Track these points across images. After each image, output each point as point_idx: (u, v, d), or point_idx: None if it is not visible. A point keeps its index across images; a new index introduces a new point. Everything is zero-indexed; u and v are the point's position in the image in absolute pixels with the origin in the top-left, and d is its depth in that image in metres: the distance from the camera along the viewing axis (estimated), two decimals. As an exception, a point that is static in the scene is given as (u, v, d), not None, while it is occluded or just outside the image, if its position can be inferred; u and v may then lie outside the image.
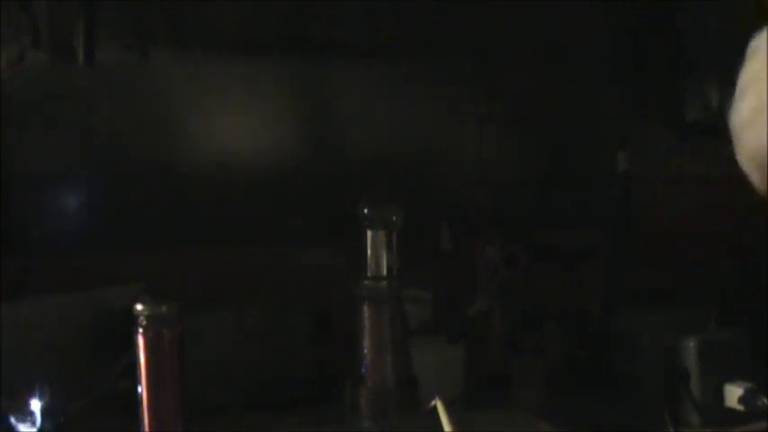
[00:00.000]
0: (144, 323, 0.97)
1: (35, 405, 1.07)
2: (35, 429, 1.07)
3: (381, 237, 1.14)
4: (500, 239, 1.52)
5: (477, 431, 1.10)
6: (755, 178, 0.72)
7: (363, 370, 1.13)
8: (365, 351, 1.13)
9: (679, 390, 1.23)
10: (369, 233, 1.14)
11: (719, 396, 1.22)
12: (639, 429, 1.23)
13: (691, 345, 1.23)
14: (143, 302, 0.98)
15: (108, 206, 1.50)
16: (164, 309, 0.97)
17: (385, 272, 1.14)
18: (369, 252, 1.14)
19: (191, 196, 1.54)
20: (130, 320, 0.98)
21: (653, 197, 1.81)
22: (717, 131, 1.81)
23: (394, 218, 1.13)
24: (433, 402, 0.98)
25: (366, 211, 1.14)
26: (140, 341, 0.97)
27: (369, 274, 1.14)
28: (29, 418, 1.07)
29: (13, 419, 1.07)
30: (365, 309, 1.13)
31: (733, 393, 1.21)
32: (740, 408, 1.20)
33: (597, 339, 1.42)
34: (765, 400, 1.18)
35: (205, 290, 1.39)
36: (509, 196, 1.72)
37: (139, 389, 0.97)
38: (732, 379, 1.22)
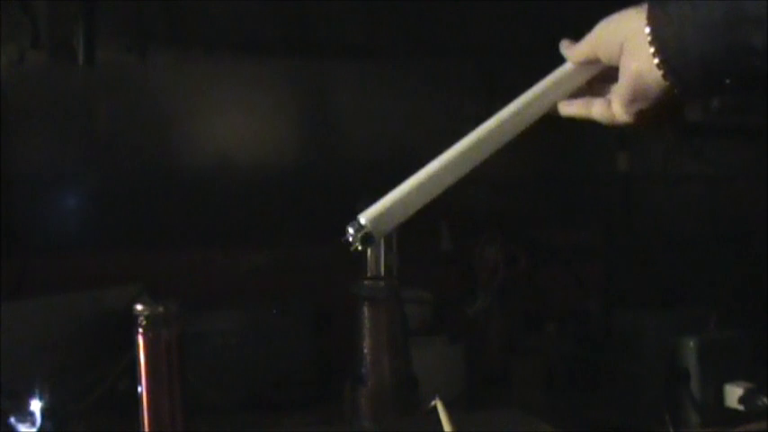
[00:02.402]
0: (144, 323, 0.97)
1: (35, 405, 1.07)
2: (35, 429, 1.07)
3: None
4: (500, 239, 1.51)
5: (477, 431, 1.10)
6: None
7: (363, 370, 1.13)
8: (365, 351, 1.13)
9: (679, 390, 1.23)
10: (369, 233, 1.14)
11: (719, 396, 1.22)
12: (639, 429, 1.23)
13: (691, 345, 1.23)
14: (143, 302, 0.98)
15: (108, 206, 1.50)
16: (163, 309, 0.97)
17: (385, 272, 1.14)
18: (369, 252, 1.14)
19: (191, 196, 1.54)
20: (130, 320, 0.98)
21: (653, 197, 1.81)
22: (717, 131, 1.82)
23: (394, 218, 1.13)
24: (432, 402, 0.98)
25: (366, 211, 1.14)
26: (140, 341, 0.97)
27: (369, 274, 1.14)
28: (29, 418, 1.07)
29: (13, 419, 1.07)
30: (365, 309, 1.13)
31: (733, 393, 1.21)
32: (740, 408, 1.20)
33: (597, 339, 1.42)
34: (765, 400, 1.18)
35: (205, 290, 1.39)
36: (509, 196, 1.72)
37: (139, 389, 0.97)
38: (732, 379, 1.22)
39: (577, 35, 0.91)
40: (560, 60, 0.93)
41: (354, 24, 1.65)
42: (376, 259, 1.14)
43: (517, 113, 0.90)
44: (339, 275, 1.15)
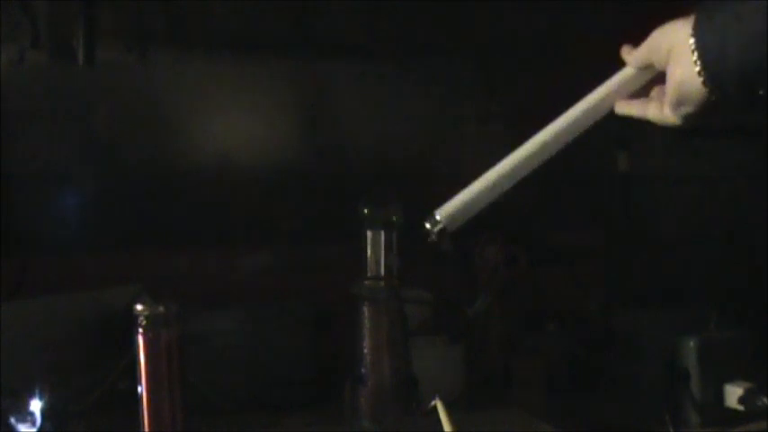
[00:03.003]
0: (143, 323, 0.97)
1: (35, 405, 1.07)
2: (35, 429, 1.07)
3: (381, 237, 1.14)
4: (500, 239, 1.51)
5: (477, 431, 1.10)
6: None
7: (363, 370, 1.13)
8: (365, 351, 1.13)
9: (679, 390, 1.23)
10: (369, 233, 1.14)
11: (719, 396, 1.22)
12: (639, 429, 1.23)
13: (691, 345, 1.23)
14: (143, 302, 0.98)
15: (108, 206, 1.50)
16: (163, 309, 0.97)
17: (385, 272, 1.14)
18: (369, 252, 1.14)
19: (191, 196, 1.54)
20: (130, 320, 0.98)
21: (653, 197, 1.81)
22: (717, 131, 1.82)
23: (394, 218, 1.14)
24: (432, 402, 0.98)
25: (366, 211, 1.14)
26: (140, 341, 0.97)
27: (369, 274, 1.14)
28: (29, 418, 1.07)
29: (13, 419, 1.07)
30: (365, 309, 1.13)
31: (733, 393, 1.21)
32: (740, 408, 1.20)
33: (597, 339, 1.42)
34: (765, 400, 1.18)
35: (205, 290, 1.39)
36: (509, 196, 1.72)
37: (139, 389, 0.97)
38: (732, 379, 1.22)
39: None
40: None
41: (354, 24, 1.65)
42: (376, 259, 1.14)
43: (583, 113, 0.96)
44: (339, 275, 1.15)
